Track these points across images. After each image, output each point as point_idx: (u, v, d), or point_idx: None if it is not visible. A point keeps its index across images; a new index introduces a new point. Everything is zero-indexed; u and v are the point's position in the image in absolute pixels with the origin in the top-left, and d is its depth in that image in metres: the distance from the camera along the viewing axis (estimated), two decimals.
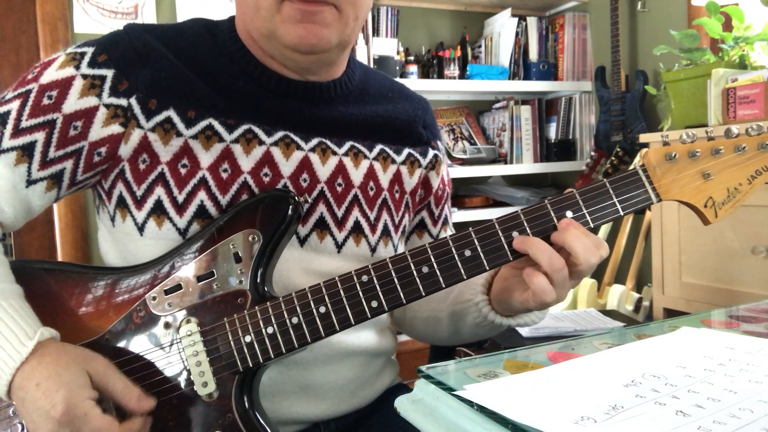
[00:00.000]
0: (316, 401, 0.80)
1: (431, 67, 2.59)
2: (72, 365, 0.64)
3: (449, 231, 0.96)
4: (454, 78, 2.57)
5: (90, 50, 0.75)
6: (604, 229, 2.33)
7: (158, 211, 0.74)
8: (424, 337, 0.94)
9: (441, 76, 2.57)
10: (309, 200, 0.79)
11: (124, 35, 0.77)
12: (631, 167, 0.72)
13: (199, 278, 0.71)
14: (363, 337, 0.83)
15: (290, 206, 0.73)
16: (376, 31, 2.49)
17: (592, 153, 2.54)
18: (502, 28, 2.69)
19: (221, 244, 0.72)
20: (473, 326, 0.79)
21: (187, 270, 0.72)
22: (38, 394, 0.62)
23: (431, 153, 0.91)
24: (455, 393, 0.49)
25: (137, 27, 0.79)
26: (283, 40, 0.74)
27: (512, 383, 0.51)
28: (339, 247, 0.81)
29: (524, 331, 1.76)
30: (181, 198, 0.74)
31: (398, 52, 2.51)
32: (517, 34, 2.66)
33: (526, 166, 2.67)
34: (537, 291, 0.65)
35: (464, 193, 2.70)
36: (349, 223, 0.82)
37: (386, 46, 2.46)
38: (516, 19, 2.65)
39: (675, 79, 1.93)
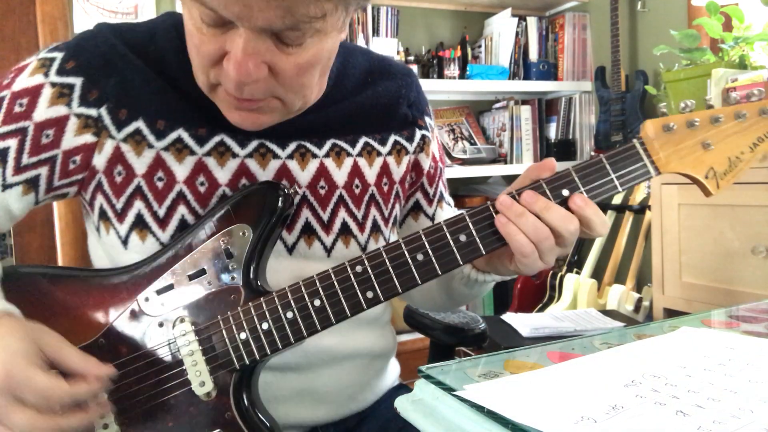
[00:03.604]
0: (314, 406, 0.79)
1: (431, 67, 2.59)
2: (25, 338, 0.61)
3: (445, 207, 0.94)
4: (454, 78, 2.57)
5: (59, 56, 0.73)
6: None
7: (140, 225, 0.73)
8: (422, 304, 0.96)
9: (441, 76, 2.57)
10: (298, 191, 0.78)
11: (91, 38, 0.74)
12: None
13: (190, 276, 0.70)
14: (361, 339, 0.82)
15: (280, 197, 0.71)
16: (376, 31, 2.49)
17: (592, 153, 2.54)
18: (502, 28, 2.69)
19: (211, 241, 0.71)
20: (460, 287, 0.81)
21: (179, 269, 0.71)
22: None
23: (418, 135, 0.88)
24: (455, 393, 0.49)
25: (106, 29, 0.75)
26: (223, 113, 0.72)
27: (512, 383, 0.51)
28: (328, 251, 0.80)
29: (524, 331, 1.76)
30: (162, 212, 0.73)
31: (398, 52, 2.51)
32: (517, 34, 2.66)
33: (526, 166, 2.67)
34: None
35: (464, 193, 2.70)
36: (336, 226, 0.80)
37: (386, 46, 2.46)
38: (516, 19, 2.65)
39: (675, 79, 1.93)
